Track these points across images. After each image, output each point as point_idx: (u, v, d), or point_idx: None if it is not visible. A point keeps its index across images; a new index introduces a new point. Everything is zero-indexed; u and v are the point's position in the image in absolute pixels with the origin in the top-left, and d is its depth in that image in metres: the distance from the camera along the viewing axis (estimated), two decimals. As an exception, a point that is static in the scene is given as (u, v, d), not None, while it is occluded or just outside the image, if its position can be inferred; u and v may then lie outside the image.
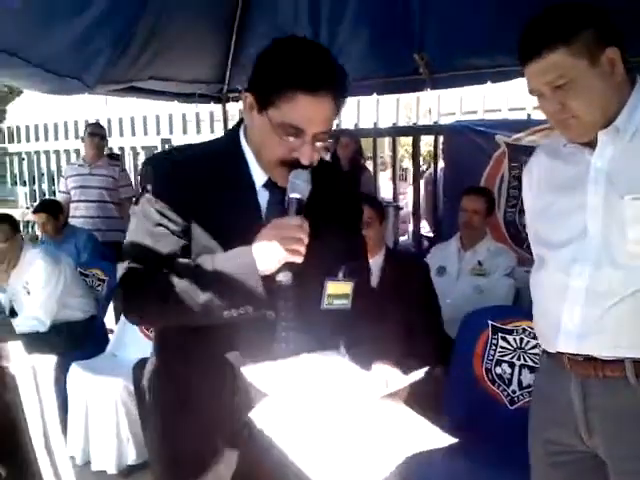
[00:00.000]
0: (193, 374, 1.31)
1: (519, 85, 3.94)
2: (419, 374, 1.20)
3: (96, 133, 4.83)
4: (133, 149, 6.83)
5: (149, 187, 1.31)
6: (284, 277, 1.22)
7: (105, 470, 2.89)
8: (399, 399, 1.23)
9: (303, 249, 1.21)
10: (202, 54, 3.93)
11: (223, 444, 1.30)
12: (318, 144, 1.25)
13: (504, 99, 5.51)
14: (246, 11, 3.79)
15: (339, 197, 1.39)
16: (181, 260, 1.25)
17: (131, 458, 2.89)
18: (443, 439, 1.13)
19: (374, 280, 2.35)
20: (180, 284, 1.21)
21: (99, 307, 3.56)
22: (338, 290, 1.32)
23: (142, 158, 6.76)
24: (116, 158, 5.49)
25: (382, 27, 3.54)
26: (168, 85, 4.01)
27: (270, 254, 1.19)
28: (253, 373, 1.20)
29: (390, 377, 1.26)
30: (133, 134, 6.85)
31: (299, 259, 1.21)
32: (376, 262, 2.39)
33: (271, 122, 1.21)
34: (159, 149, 6.47)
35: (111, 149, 6.14)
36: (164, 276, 1.22)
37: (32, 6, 2.69)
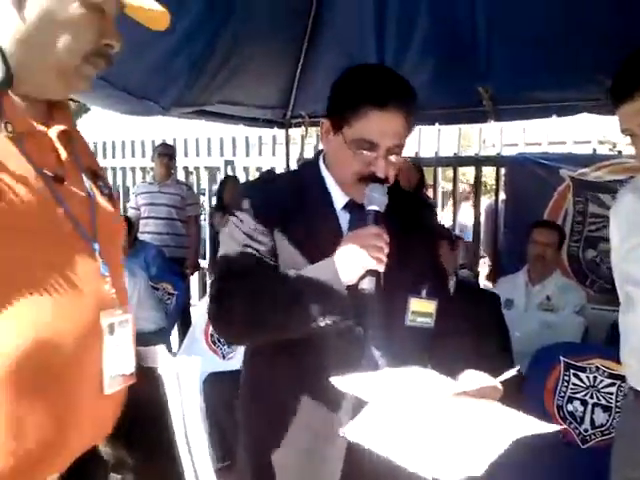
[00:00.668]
0: (285, 389, 1.35)
1: (585, 118, 3.93)
2: (511, 372, 1.20)
3: (165, 153, 5.03)
4: (196, 169, 7.05)
5: (238, 210, 1.39)
6: (368, 284, 1.26)
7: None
8: (492, 399, 1.23)
9: (384, 257, 1.25)
10: (269, 80, 4.04)
11: (318, 453, 1.33)
12: (392, 158, 1.31)
13: (569, 132, 5.46)
14: (313, 39, 3.90)
15: (419, 220, 1.45)
16: (267, 276, 1.31)
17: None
18: (545, 426, 1.10)
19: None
20: (267, 298, 1.27)
21: (168, 320, 3.68)
22: (422, 308, 1.36)
23: (204, 178, 6.96)
24: None
25: (447, 58, 3.59)
26: (235, 109, 4.16)
27: (351, 262, 1.24)
28: (343, 382, 1.21)
29: (480, 378, 1.28)
30: (197, 154, 7.07)
31: (380, 267, 1.25)
32: (447, 291, 2.41)
33: (345, 139, 1.30)
34: (222, 170, 6.66)
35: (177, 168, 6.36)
36: (251, 293, 1.29)
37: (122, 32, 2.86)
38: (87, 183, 0.96)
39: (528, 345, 2.58)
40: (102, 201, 0.98)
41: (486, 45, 3.45)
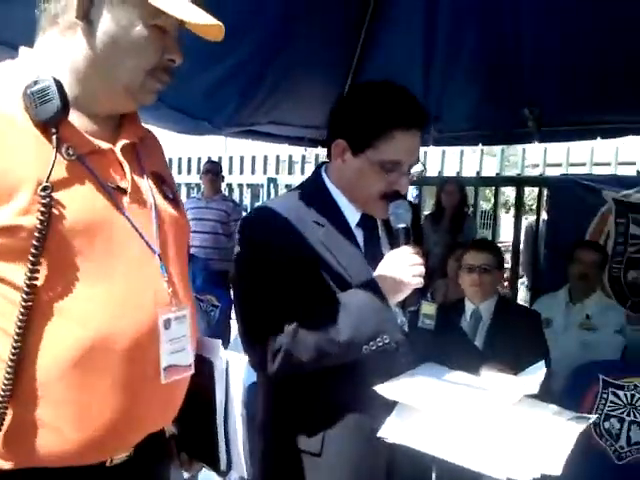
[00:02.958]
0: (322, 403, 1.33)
1: (630, 139, 3.91)
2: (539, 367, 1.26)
3: (210, 170, 5.20)
4: (240, 186, 7.24)
5: (251, 248, 1.33)
6: (414, 303, 1.32)
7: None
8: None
9: (424, 273, 1.29)
10: (316, 102, 4.17)
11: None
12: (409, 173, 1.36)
13: (613, 152, 5.42)
14: (360, 65, 4.02)
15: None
16: (307, 309, 1.27)
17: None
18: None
19: (484, 324, 2.43)
20: (314, 333, 1.26)
21: (211, 331, 3.79)
22: (429, 310, 1.41)
23: (248, 195, 7.13)
24: None
25: (493, 80, 3.64)
26: (283, 129, 4.28)
27: (399, 285, 1.28)
28: (388, 390, 1.25)
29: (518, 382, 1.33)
30: (241, 172, 7.26)
31: (422, 283, 1.29)
32: (488, 307, 2.46)
33: (370, 161, 1.32)
34: (265, 187, 6.83)
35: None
36: (294, 332, 1.26)
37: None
38: (150, 189, 1.00)
39: (566, 364, 2.59)
40: (165, 205, 1.02)
41: (531, 67, 3.49)
